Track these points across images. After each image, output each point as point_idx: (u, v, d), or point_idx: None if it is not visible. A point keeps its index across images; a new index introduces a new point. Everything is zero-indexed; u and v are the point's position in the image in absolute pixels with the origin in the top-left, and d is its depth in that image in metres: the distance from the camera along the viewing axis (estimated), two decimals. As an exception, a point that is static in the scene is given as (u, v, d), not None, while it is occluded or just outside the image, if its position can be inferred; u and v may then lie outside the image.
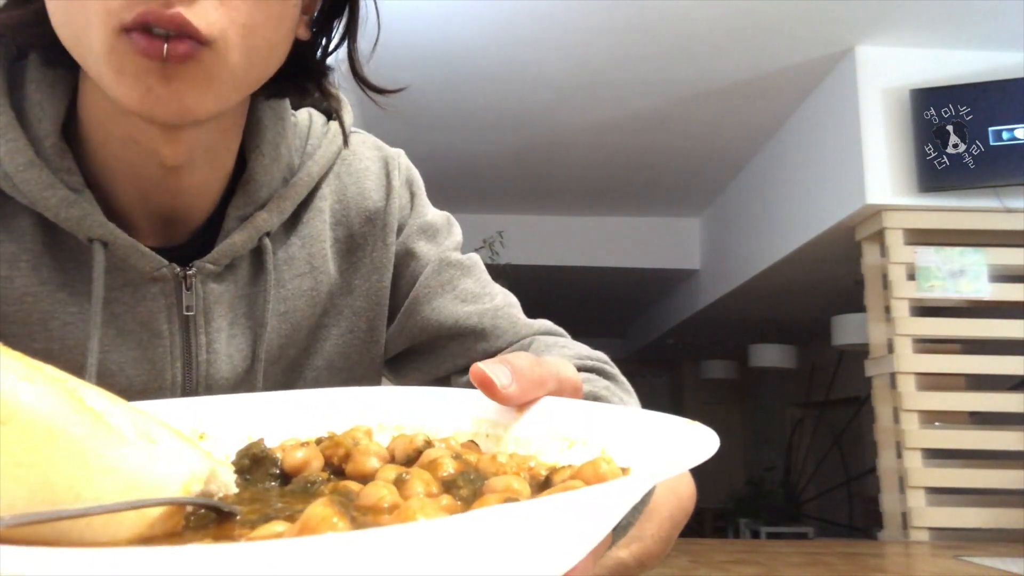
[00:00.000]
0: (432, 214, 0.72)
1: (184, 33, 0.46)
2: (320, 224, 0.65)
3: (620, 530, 0.49)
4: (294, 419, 0.43)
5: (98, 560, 0.17)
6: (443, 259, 0.69)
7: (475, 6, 3.01)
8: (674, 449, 0.32)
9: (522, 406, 0.40)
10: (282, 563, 0.18)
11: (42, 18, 0.51)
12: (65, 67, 0.55)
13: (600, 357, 0.65)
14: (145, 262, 0.56)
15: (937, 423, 2.99)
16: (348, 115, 0.68)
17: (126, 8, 0.45)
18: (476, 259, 0.72)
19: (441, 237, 0.71)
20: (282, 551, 0.18)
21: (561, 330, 0.72)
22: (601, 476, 0.31)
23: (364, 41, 0.63)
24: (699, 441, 0.31)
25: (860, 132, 3.23)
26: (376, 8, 0.63)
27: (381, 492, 0.29)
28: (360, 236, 0.67)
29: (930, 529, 2.86)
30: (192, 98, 0.48)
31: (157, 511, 0.27)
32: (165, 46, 0.45)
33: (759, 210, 4.41)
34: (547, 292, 6.30)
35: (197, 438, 0.40)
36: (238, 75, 0.50)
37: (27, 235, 0.55)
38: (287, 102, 0.64)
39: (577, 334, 0.71)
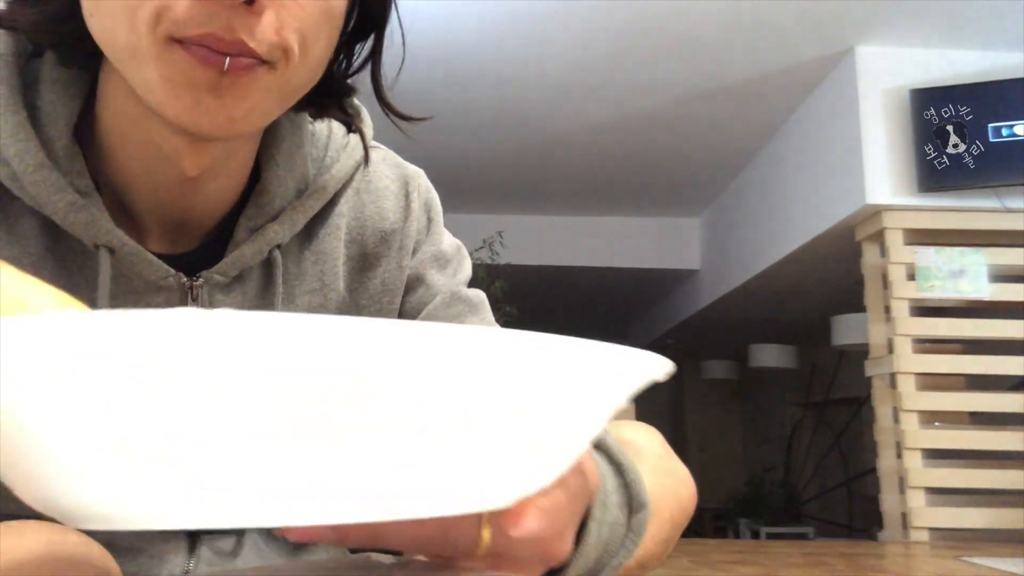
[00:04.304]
0: (447, 243, 0.71)
1: (243, 55, 0.45)
2: (335, 241, 0.63)
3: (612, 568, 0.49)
4: None
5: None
6: (454, 293, 0.68)
7: (475, 6, 3.01)
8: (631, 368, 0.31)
9: None
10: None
11: (69, 15, 0.49)
12: (81, 67, 0.54)
13: None
14: (152, 270, 0.54)
15: (937, 423, 2.99)
16: (368, 129, 0.67)
17: (183, 27, 0.43)
18: (483, 297, 0.72)
19: (452, 268, 0.70)
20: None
21: None
22: None
23: (387, 66, 0.61)
24: (653, 361, 0.31)
25: (860, 132, 3.22)
26: (403, 34, 0.61)
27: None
28: (373, 256, 0.66)
29: (930, 529, 2.86)
30: (240, 112, 0.47)
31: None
32: (227, 60, 0.44)
33: (759, 210, 4.40)
34: (547, 292, 6.30)
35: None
36: (287, 91, 0.50)
37: (31, 238, 0.53)
38: (305, 113, 0.63)
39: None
